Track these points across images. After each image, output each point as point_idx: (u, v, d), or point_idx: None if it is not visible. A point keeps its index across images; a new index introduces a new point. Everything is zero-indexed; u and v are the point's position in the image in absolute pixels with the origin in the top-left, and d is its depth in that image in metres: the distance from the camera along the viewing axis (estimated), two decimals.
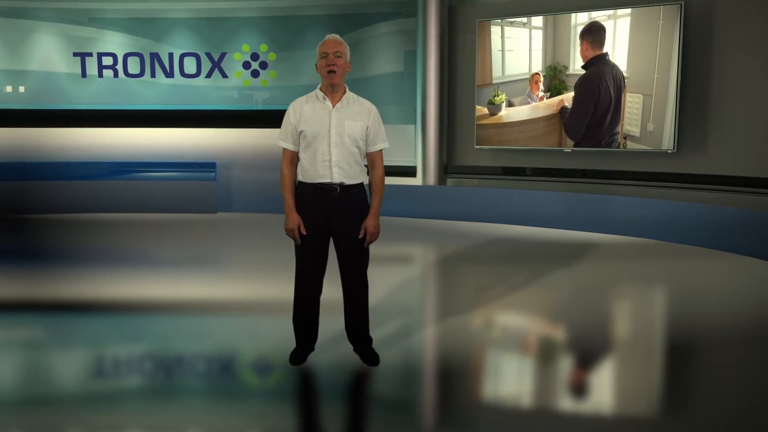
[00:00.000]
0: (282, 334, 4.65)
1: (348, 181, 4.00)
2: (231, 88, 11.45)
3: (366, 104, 4.09)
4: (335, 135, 3.95)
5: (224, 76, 11.39)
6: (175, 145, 10.69)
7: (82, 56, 11.23)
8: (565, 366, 4.59)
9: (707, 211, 8.33)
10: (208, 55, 11.36)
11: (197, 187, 10.51)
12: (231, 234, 9.38)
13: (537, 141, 9.86)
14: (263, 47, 11.32)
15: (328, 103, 3.98)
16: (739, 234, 7.88)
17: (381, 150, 4.12)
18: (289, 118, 4.06)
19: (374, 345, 4.29)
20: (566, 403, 3.98)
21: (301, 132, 3.99)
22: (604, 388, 4.23)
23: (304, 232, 4.00)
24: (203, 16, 11.39)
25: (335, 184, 3.98)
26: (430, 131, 10.41)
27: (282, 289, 5.98)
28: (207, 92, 11.45)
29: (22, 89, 11.22)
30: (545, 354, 4.77)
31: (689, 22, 8.70)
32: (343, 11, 11.22)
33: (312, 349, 4.25)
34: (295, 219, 3.99)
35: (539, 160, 10.15)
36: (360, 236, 4.03)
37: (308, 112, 4.00)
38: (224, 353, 4.64)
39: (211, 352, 4.62)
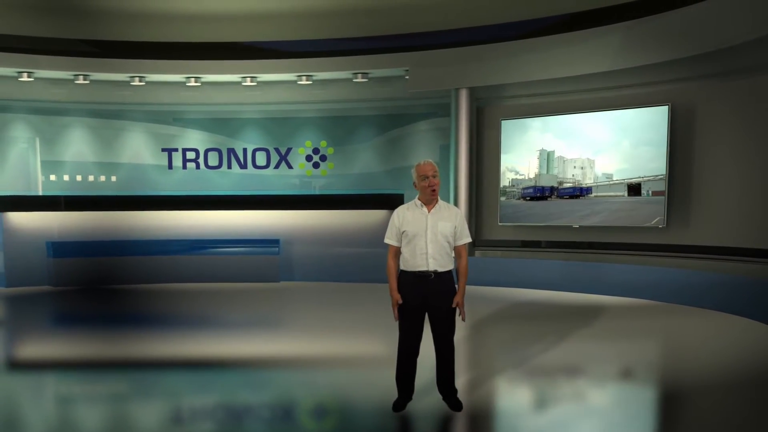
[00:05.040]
0: (341, 385, 5.07)
1: (440, 269, 4.61)
2: (294, 176, 11.79)
3: (454, 209, 4.78)
4: (431, 233, 4.60)
5: (290, 167, 11.73)
6: (245, 225, 10.99)
7: (169, 151, 11.64)
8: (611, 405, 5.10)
9: (691, 275, 8.76)
10: (277, 149, 11.74)
11: (263, 260, 10.82)
12: (292, 300, 9.72)
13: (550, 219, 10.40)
14: (323, 143, 11.71)
15: (425, 209, 4.66)
16: (718, 294, 8.31)
17: (465, 243, 4.75)
18: (394, 222, 4.72)
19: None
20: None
21: (403, 232, 4.65)
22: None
23: (401, 302, 4.58)
24: (272, 116, 11.81)
25: (430, 271, 4.59)
26: (461, 211, 10.45)
27: (337, 346, 6.45)
28: (273, 180, 11.77)
29: (114, 179, 11.56)
30: (585, 398, 5.28)
31: (675, 120, 9.24)
32: (389, 112, 11.68)
33: (410, 398, 4.75)
34: (397, 297, 4.60)
35: (552, 234, 10.52)
36: (453, 306, 4.61)
37: (409, 216, 4.67)
38: (285, 403, 4.97)
39: (276, 402, 4.96)
